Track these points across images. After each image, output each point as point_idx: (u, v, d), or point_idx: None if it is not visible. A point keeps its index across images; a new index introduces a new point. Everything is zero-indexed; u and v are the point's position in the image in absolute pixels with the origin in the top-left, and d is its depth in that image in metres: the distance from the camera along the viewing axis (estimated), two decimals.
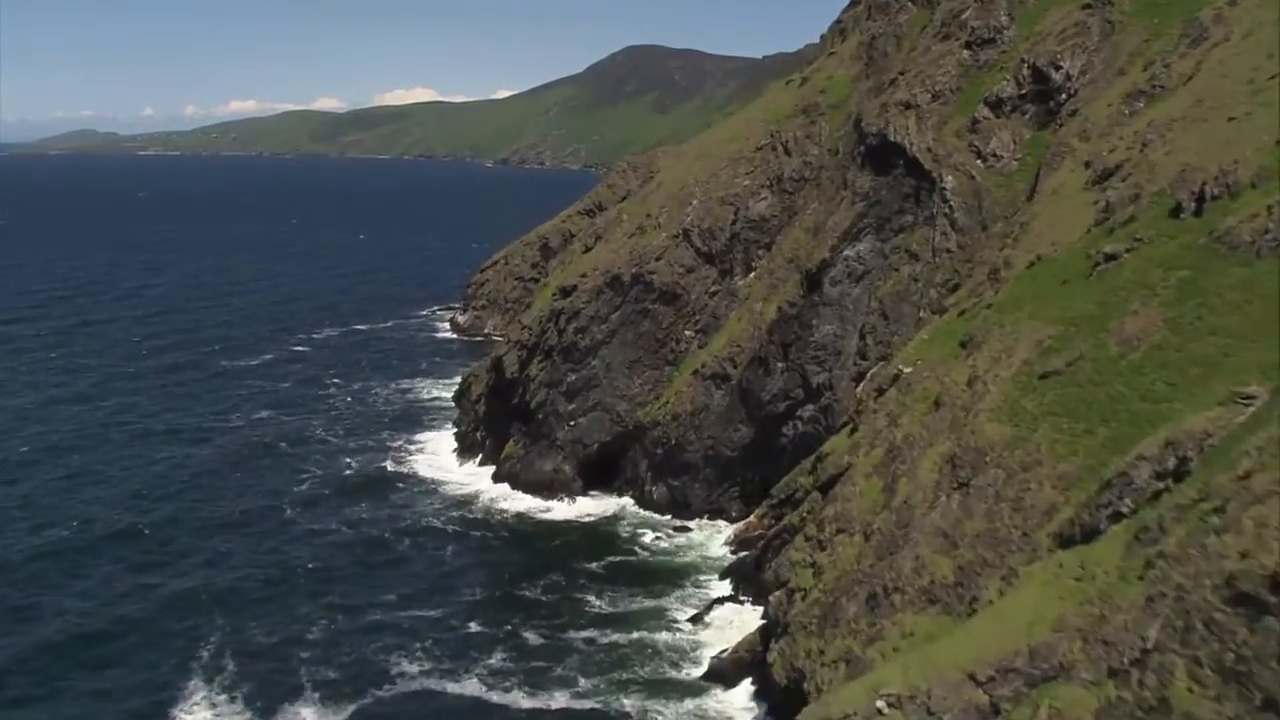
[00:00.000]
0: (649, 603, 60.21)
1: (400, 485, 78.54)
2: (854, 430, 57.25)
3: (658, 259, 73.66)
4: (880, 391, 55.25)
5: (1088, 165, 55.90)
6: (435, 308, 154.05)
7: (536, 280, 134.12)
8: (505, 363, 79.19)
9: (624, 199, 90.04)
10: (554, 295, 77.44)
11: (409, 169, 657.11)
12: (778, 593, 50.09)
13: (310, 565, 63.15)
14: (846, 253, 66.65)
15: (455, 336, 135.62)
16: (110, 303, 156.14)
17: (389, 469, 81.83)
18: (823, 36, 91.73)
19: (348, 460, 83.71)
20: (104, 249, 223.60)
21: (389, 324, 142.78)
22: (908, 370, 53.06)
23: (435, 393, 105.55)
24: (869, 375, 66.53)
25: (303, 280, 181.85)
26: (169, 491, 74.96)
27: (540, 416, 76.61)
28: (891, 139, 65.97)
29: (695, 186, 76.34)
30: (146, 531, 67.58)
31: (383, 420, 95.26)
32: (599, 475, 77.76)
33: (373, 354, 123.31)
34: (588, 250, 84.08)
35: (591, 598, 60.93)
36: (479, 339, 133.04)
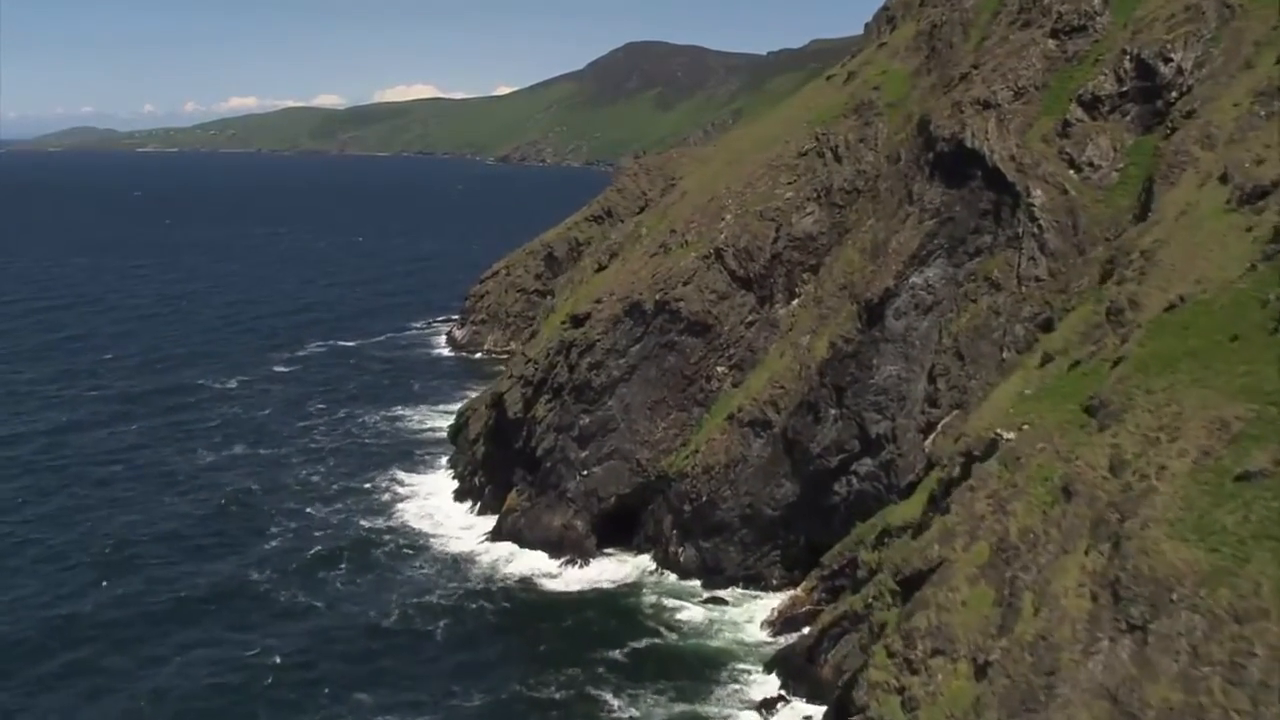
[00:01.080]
0: (680, 706, 49.77)
1: (387, 542, 68.10)
2: (934, 504, 47.14)
3: (685, 283, 63.20)
4: (969, 458, 44.86)
5: (1224, 179, 45.43)
6: (431, 319, 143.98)
7: (540, 293, 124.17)
8: (507, 400, 68.78)
9: (642, 210, 79.45)
10: (563, 324, 66.96)
11: (409, 166, 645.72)
12: None
13: (278, 659, 52.45)
14: (913, 279, 56.23)
15: (452, 354, 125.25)
16: (90, 315, 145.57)
17: (374, 522, 71.28)
18: (867, 25, 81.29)
19: (327, 510, 73.31)
20: (90, 253, 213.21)
21: (381, 338, 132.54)
22: (1009, 436, 42.58)
23: (429, 422, 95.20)
24: (940, 426, 56.23)
25: (292, 287, 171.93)
26: (118, 559, 64.18)
27: (548, 465, 66.21)
28: (968, 145, 55.49)
29: (728, 198, 65.82)
30: (84, 616, 56.72)
31: (369, 457, 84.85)
32: (616, 529, 67.49)
33: (361, 374, 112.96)
34: (601, 269, 73.66)
35: (610, 697, 50.57)
36: (478, 356, 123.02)
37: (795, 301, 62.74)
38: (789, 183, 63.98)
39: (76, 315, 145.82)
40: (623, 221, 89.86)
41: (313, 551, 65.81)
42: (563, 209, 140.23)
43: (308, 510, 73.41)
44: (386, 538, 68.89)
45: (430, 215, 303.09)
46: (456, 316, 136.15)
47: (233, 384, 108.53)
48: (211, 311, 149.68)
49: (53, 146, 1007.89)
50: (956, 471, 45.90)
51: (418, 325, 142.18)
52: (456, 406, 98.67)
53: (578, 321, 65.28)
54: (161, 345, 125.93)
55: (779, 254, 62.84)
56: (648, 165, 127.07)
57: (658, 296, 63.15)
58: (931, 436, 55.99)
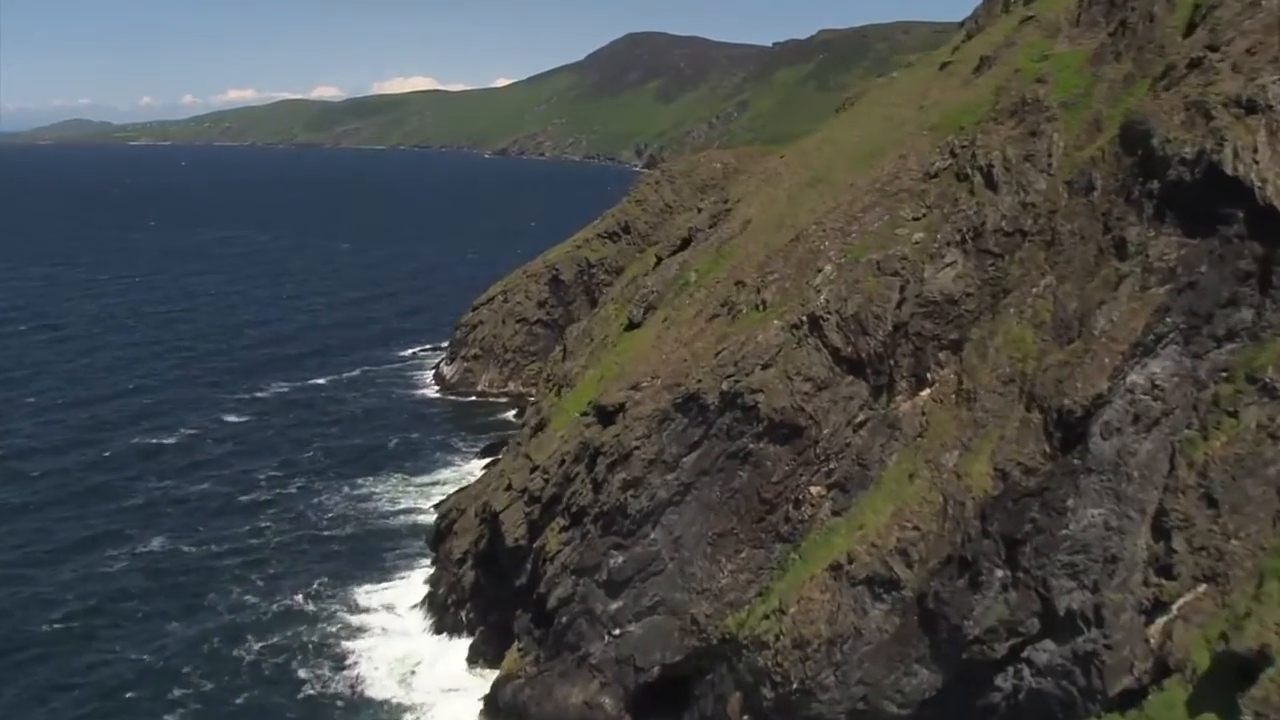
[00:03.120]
0: None
1: (336, 714, 48.52)
2: None
3: (765, 365, 43.30)
4: None
5: None
6: (417, 348, 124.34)
7: (544, 324, 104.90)
8: (504, 522, 48.99)
9: (684, 244, 59.34)
10: (584, 416, 47.10)
11: (405, 161, 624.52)
12: None
13: None
14: (1132, 378, 36.41)
15: (439, 395, 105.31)
16: (28, 346, 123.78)
17: (320, 677, 51.38)
18: None
19: (259, 650, 53.76)
20: (52, 262, 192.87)
21: (356, 373, 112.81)
22: None
23: (404, 502, 75.30)
24: (1176, 608, 36.38)
25: (267, 304, 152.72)
26: None
27: (564, 619, 46.43)
28: (1228, 170, 35.62)
29: (822, 238, 45.82)
30: None
31: (324, 559, 64.98)
32: (656, 697, 47.89)
33: (329, 427, 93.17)
34: (634, 327, 53.90)
35: None
36: (470, 399, 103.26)
37: (926, 393, 42.78)
38: (916, 218, 44.00)
39: (19, 342, 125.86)
40: (647, 250, 69.90)
41: None
42: (571, 207, 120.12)
43: (233, 654, 53.74)
44: (336, 707, 49.24)
45: (428, 215, 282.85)
46: (446, 346, 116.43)
47: (171, 440, 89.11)
48: (170, 338, 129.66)
49: (44, 140, 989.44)
50: None
51: (403, 354, 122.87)
52: (440, 477, 79.84)
53: (606, 416, 45.41)
54: (99, 386, 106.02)
55: (904, 324, 42.80)
56: (672, 172, 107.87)
57: (724, 385, 43.22)
58: (1161, 621, 36.21)
